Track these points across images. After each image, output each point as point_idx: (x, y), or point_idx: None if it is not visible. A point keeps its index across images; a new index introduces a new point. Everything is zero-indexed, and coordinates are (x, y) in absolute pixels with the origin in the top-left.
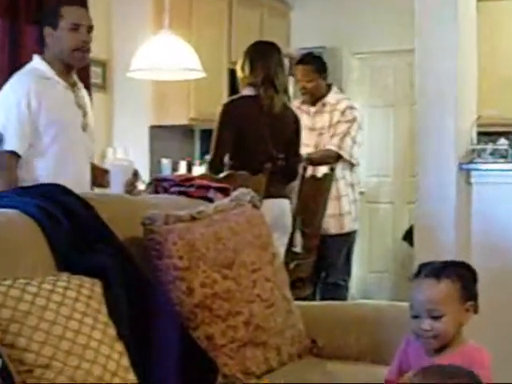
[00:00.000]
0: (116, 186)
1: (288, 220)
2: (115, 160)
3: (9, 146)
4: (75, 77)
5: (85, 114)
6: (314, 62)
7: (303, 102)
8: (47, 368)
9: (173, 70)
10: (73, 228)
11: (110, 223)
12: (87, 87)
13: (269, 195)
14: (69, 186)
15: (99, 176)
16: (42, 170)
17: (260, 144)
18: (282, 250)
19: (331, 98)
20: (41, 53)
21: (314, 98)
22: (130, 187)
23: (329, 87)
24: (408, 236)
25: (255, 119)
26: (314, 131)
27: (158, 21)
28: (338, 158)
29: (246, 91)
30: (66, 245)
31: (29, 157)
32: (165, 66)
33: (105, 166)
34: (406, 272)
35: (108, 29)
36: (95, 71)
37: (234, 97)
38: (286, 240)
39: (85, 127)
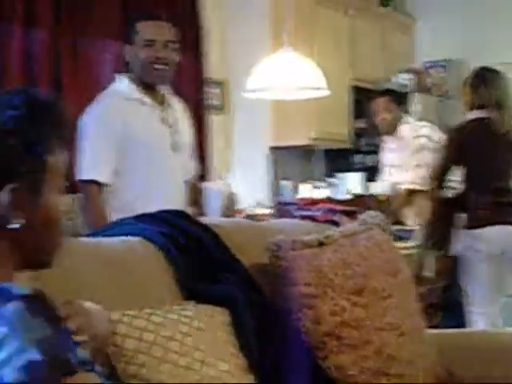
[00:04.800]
0: (211, 211)
1: None
2: (213, 184)
3: (91, 175)
4: (166, 91)
5: (175, 132)
6: (393, 93)
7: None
8: None
9: (295, 88)
10: (198, 256)
11: (234, 250)
12: (202, 108)
13: (496, 221)
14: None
15: (194, 195)
16: (131, 196)
17: (487, 165)
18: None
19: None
20: (124, 71)
21: (393, 128)
22: (227, 212)
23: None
24: None
25: (484, 140)
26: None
27: (277, 38)
28: None
29: (471, 115)
30: (191, 273)
31: (116, 186)
32: (286, 84)
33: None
34: None
35: (224, 48)
36: (212, 92)
37: (461, 122)
38: None
39: (175, 146)
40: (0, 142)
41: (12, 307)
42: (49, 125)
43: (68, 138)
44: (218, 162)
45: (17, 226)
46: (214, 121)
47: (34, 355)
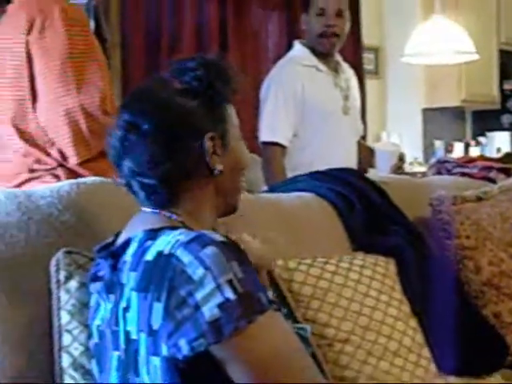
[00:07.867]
0: (383, 171)
1: None
2: (382, 144)
3: (274, 137)
4: (338, 57)
5: (346, 97)
6: None
7: None
8: (346, 342)
9: (446, 53)
10: (367, 212)
11: (399, 204)
12: (360, 73)
13: None
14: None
15: (365, 155)
16: (307, 159)
17: None
18: None
19: None
20: (302, 38)
21: None
22: (397, 171)
23: None
24: None
25: None
26: None
27: (427, 5)
28: None
29: None
30: (360, 227)
31: (293, 146)
32: (438, 50)
33: (372, 147)
34: None
35: (380, 15)
36: (368, 57)
37: None
38: None
39: (346, 110)
40: (191, 100)
41: (209, 251)
42: (224, 81)
43: (236, 91)
44: (374, 123)
45: (219, 171)
46: (369, 85)
47: (229, 294)
